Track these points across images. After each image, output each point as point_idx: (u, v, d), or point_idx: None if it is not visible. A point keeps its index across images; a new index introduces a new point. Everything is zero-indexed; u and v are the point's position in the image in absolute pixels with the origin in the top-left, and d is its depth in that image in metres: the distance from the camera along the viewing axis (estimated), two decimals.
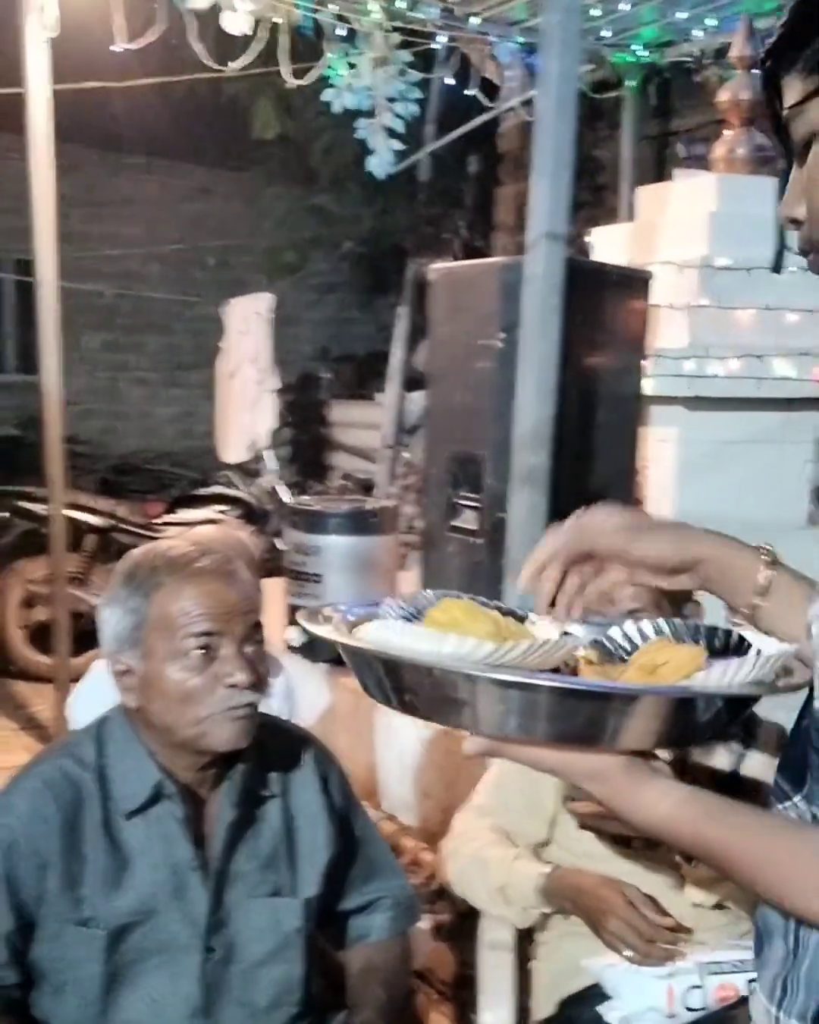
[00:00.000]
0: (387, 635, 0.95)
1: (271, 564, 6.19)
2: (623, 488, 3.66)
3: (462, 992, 2.38)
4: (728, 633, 1.05)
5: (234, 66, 4.24)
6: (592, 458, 3.62)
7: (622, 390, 3.72)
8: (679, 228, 4.12)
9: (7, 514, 5.59)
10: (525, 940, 2.04)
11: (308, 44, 4.48)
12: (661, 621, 1.09)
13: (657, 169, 6.84)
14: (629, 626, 1.09)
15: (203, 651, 1.45)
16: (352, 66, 4.29)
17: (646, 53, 5.25)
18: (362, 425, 8.64)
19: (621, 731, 0.88)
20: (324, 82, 4.66)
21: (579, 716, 0.88)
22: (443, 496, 3.75)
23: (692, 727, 0.93)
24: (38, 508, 5.21)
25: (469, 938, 2.27)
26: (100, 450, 11.35)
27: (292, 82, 4.32)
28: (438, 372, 3.86)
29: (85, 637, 5.58)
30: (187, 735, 1.46)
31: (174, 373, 12.23)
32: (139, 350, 12.16)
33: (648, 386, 3.84)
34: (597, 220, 5.37)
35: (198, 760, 1.50)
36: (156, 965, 1.47)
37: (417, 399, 7.82)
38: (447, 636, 0.92)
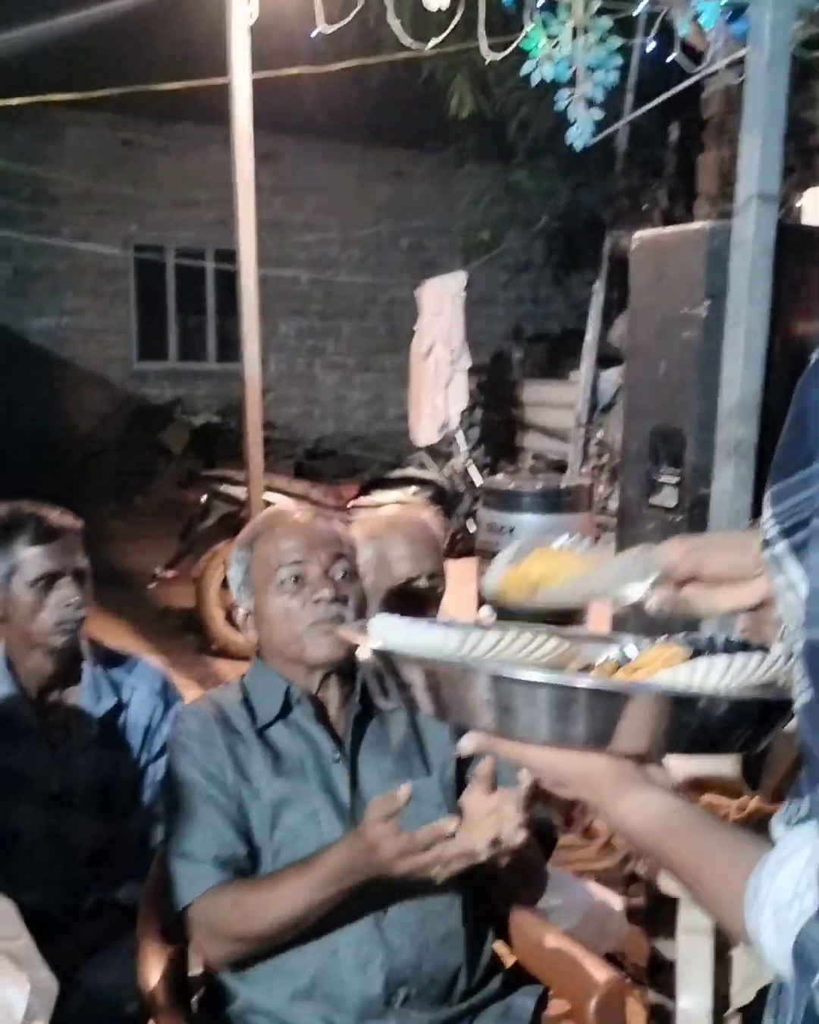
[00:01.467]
0: (389, 632, 0.98)
1: (462, 545, 6.21)
2: None
3: (657, 977, 2.32)
4: (761, 648, 0.99)
5: (432, 44, 4.21)
6: None
7: None
8: None
9: (207, 498, 5.75)
10: None
11: (504, 18, 4.42)
12: (694, 634, 1.08)
13: None
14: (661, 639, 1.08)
15: (294, 579, 1.69)
16: (552, 36, 4.19)
17: None
18: (554, 405, 8.55)
19: (605, 732, 0.86)
20: (522, 55, 4.58)
21: (563, 713, 0.86)
22: (641, 472, 3.65)
23: (676, 732, 0.88)
24: (237, 492, 5.35)
25: (665, 923, 2.22)
26: (295, 435, 11.64)
27: (490, 56, 4.26)
28: (638, 344, 3.76)
29: None
30: (292, 651, 1.69)
31: (367, 357, 12.41)
32: (333, 335, 12.38)
33: None
34: (807, 184, 5.12)
35: (314, 674, 1.71)
36: (307, 846, 1.61)
37: (611, 377, 7.69)
38: (421, 627, 0.95)
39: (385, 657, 0.95)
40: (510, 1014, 1.67)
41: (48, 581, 2.00)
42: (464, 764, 1.73)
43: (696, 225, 3.60)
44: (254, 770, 1.66)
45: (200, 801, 1.64)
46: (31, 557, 2.00)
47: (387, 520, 2.19)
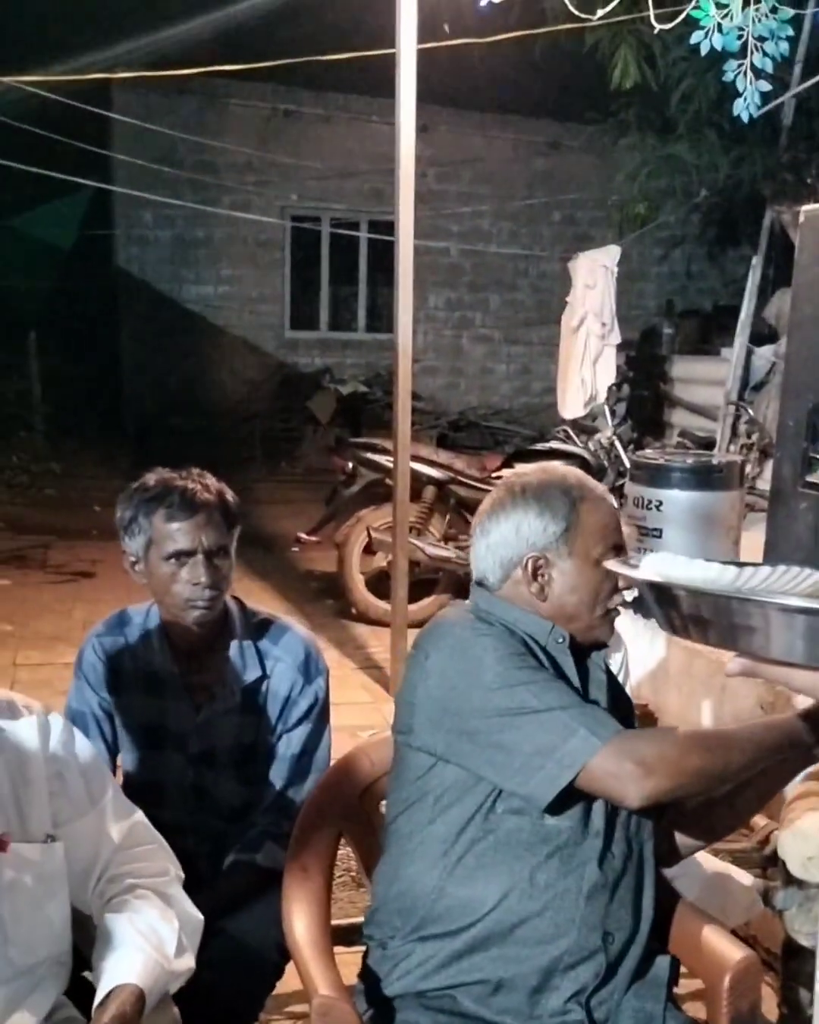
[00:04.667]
0: (667, 567, 1.09)
1: None
2: None
3: (790, 963, 2.30)
4: None
5: (600, 13, 4.16)
6: None
7: None
8: None
9: (353, 465, 5.83)
10: None
11: None
12: None
13: None
14: None
15: (616, 548, 1.69)
16: (722, 5, 4.09)
17: None
18: (704, 381, 8.38)
19: None
20: (689, 25, 4.48)
21: None
22: (797, 450, 3.56)
23: None
24: (382, 460, 5.41)
25: (801, 907, 2.20)
26: (439, 407, 11.69)
27: (658, 26, 4.18)
28: (801, 319, 3.66)
29: (422, 585, 5.81)
30: (579, 626, 1.69)
31: (515, 330, 12.36)
32: (482, 307, 12.36)
33: None
34: None
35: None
36: None
37: (765, 354, 7.50)
38: (698, 563, 1.06)
39: (663, 591, 1.07)
40: (649, 974, 1.65)
41: (179, 557, 2.01)
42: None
43: None
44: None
45: (541, 675, 1.61)
46: (167, 532, 2.01)
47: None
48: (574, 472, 1.79)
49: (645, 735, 1.61)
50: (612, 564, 1.41)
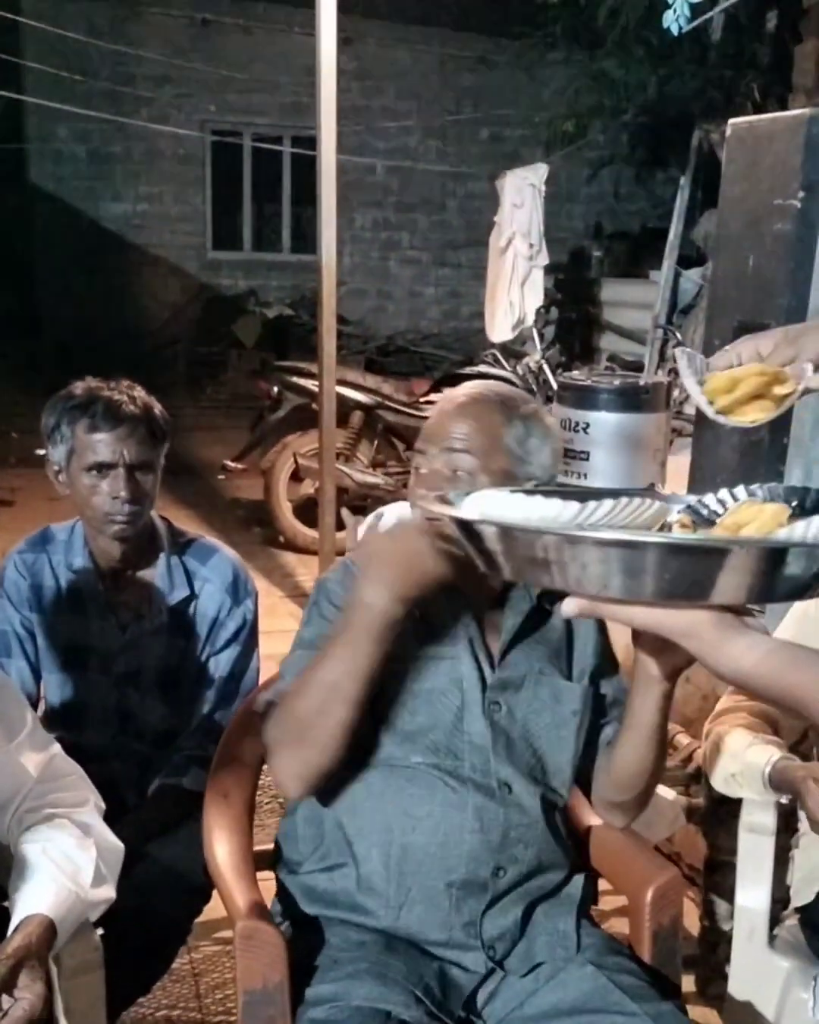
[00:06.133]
0: (488, 504, 1.06)
1: None
2: None
3: (712, 877, 2.35)
4: None
5: None
6: None
7: None
8: None
9: (279, 390, 5.74)
10: (785, 829, 2.00)
11: None
12: (753, 487, 1.14)
13: None
14: (722, 493, 1.15)
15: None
16: None
17: None
18: (633, 305, 8.38)
19: (711, 586, 0.92)
20: None
21: (673, 572, 0.92)
22: None
23: (778, 582, 0.95)
24: (308, 384, 5.33)
25: (722, 823, 2.24)
26: (367, 331, 11.55)
27: None
28: (727, 237, 3.62)
29: (350, 512, 5.77)
30: None
31: (443, 252, 12.20)
32: (409, 228, 12.17)
33: None
34: None
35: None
36: (444, 710, 1.60)
37: (693, 277, 7.50)
38: (536, 499, 1.00)
39: (490, 531, 1.01)
40: (560, 898, 1.66)
41: (100, 469, 1.97)
42: (596, 680, 1.71)
43: (795, 112, 3.41)
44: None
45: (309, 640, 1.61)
46: (88, 443, 1.97)
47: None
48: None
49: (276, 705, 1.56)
50: (430, 503, 1.25)
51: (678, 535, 1.06)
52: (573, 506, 0.98)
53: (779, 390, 1.36)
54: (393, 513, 2.42)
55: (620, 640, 1.72)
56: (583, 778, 1.72)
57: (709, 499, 1.16)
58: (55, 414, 2.00)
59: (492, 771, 1.59)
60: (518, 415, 1.61)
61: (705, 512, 1.14)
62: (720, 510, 1.14)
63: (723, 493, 1.15)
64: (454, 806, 1.57)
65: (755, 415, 1.37)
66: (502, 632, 1.65)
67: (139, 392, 2.05)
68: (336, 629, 1.49)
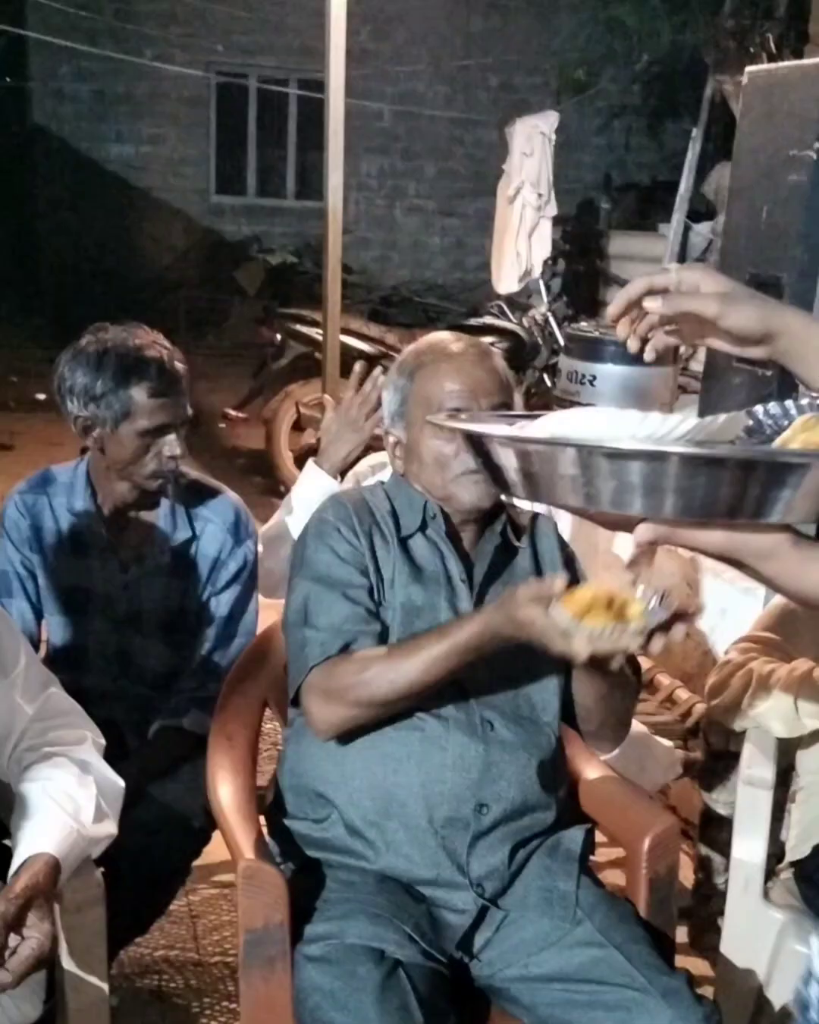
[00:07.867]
0: (548, 424, 0.96)
1: (538, 398, 6.14)
2: None
3: (707, 830, 2.37)
4: None
5: None
6: None
7: None
8: None
9: (282, 338, 5.69)
10: (783, 784, 2.01)
11: None
12: (803, 401, 1.12)
13: None
14: (773, 406, 1.13)
15: None
16: None
17: None
18: (641, 258, 8.28)
19: (793, 503, 0.86)
20: None
21: (772, 488, 0.85)
22: None
23: None
24: (312, 332, 5.29)
25: (720, 778, 2.26)
26: (371, 280, 11.43)
27: None
28: (740, 188, 3.57)
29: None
30: (440, 494, 1.69)
31: (449, 201, 12.05)
32: (416, 176, 12.01)
33: None
34: None
35: (457, 516, 1.71)
36: None
37: (703, 230, 7.43)
38: (616, 412, 0.92)
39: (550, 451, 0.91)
40: (559, 850, 1.67)
41: (159, 431, 1.97)
42: None
43: (813, 60, 3.36)
44: (391, 572, 1.66)
45: (338, 579, 1.63)
46: (148, 407, 1.95)
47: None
48: (440, 337, 1.76)
49: (333, 665, 1.57)
50: (435, 418, 1.34)
51: (786, 449, 0.95)
52: (654, 418, 0.91)
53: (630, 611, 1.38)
54: (367, 466, 2.40)
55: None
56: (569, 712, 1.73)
57: (759, 411, 1.12)
58: (91, 373, 1.95)
59: (473, 709, 1.62)
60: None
61: (760, 426, 1.10)
62: (772, 424, 1.09)
63: (774, 406, 1.12)
64: (435, 745, 1.60)
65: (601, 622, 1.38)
66: (475, 573, 1.68)
67: (162, 339, 2.03)
68: (446, 637, 1.51)
